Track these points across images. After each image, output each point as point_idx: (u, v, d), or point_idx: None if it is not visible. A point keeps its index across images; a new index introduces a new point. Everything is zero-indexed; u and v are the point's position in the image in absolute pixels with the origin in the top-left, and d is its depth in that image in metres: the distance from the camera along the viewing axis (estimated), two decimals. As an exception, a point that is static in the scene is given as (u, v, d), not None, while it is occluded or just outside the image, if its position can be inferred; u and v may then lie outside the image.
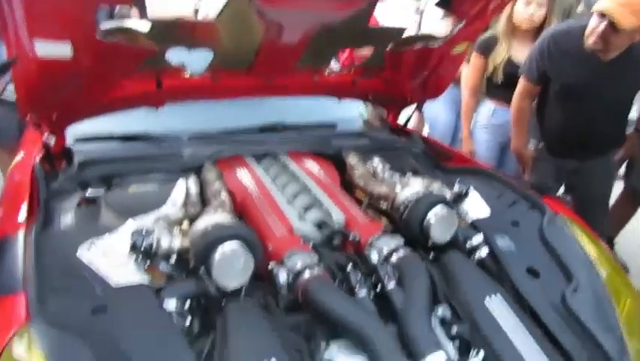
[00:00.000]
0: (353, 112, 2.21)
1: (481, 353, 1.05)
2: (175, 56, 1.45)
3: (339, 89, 1.84)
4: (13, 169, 1.63)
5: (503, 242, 1.33)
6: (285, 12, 1.32)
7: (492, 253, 1.31)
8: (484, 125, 2.55)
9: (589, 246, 1.34)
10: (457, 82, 2.66)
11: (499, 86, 2.40)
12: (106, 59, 1.26)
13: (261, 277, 1.16)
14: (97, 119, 1.54)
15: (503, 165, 2.56)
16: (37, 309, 0.88)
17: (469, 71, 2.51)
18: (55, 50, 1.14)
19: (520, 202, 1.51)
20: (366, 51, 1.86)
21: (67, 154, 1.53)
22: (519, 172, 2.38)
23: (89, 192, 1.39)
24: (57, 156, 1.51)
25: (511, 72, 2.28)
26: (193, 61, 1.51)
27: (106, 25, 1.24)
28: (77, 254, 1.09)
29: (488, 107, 2.52)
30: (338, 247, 1.32)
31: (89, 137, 1.65)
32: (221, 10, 1.33)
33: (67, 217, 1.27)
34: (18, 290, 0.93)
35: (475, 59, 2.45)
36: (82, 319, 0.89)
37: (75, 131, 1.57)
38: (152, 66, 1.43)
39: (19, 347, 0.83)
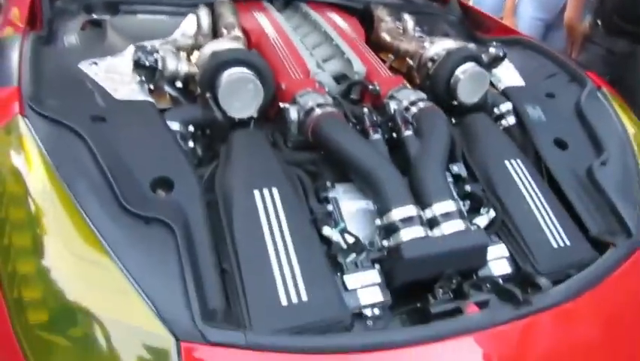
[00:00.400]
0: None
1: (492, 212, 1.01)
2: None
3: None
4: None
5: (534, 112, 1.23)
6: None
7: (520, 124, 1.22)
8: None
9: (628, 124, 1.23)
10: None
11: None
12: None
13: (272, 120, 1.09)
14: None
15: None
16: (32, 103, 0.83)
17: None
18: None
19: (561, 74, 1.37)
20: None
21: None
22: (566, 52, 2.19)
23: (94, 16, 1.29)
24: None
25: None
26: None
27: None
28: (79, 65, 1.02)
29: None
30: (356, 101, 1.24)
31: None
32: None
33: (69, 37, 1.18)
34: (12, 85, 0.87)
35: None
36: (80, 122, 0.84)
37: None
38: None
39: (11, 136, 0.79)
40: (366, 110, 1.07)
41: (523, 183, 1.05)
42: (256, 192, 0.87)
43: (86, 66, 1.04)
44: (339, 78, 1.28)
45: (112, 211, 0.74)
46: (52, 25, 1.22)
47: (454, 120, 1.21)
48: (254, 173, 0.91)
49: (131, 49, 1.10)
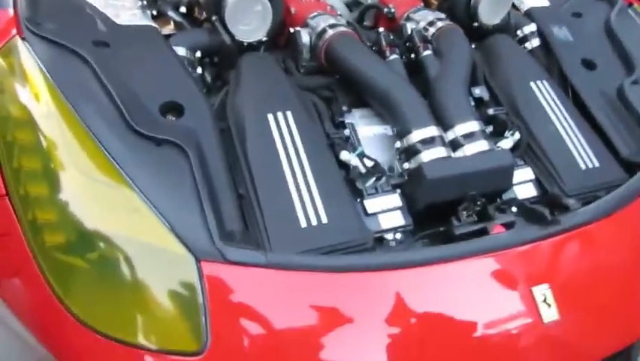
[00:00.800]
0: None
1: (517, 135, 0.96)
2: None
3: None
4: None
5: (560, 32, 1.15)
6: None
7: (545, 45, 1.15)
8: None
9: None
10: None
11: None
12: None
13: (282, 46, 1.04)
14: None
15: None
16: (31, 25, 0.78)
17: None
18: None
19: None
20: None
21: None
22: None
23: None
24: None
25: None
26: None
27: None
28: None
29: None
30: (370, 28, 1.17)
31: None
32: None
33: None
34: (7, 7, 0.82)
35: None
36: (82, 46, 0.80)
37: None
38: None
39: (10, 58, 0.75)
40: (381, 31, 1.00)
41: (549, 105, 1.00)
42: (270, 116, 0.84)
43: None
44: (351, 5, 1.21)
45: (122, 133, 0.71)
46: None
47: (474, 45, 1.15)
48: (266, 97, 0.87)
49: None
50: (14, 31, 0.78)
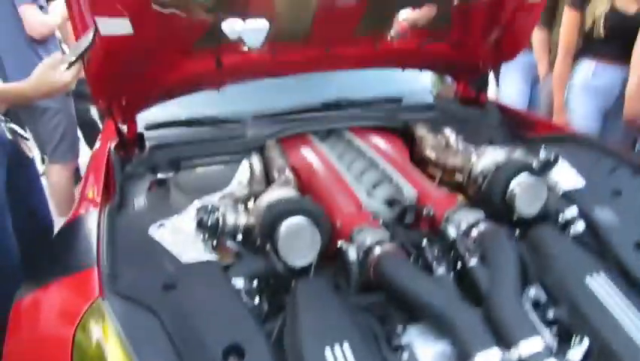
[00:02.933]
0: (419, 84, 2.09)
1: (586, 341, 0.91)
2: (232, 30, 1.42)
3: (403, 57, 1.72)
4: (92, 157, 1.71)
5: (604, 214, 1.16)
6: None
7: (590, 228, 1.15)
8: (581, 88, 2.18)
9: None
10: (529, 46, 2.40)
11: (600, 42, 2.09)
12: (164, 33, 1.25)
13: (331, 257, 1.09)
14: (164, 107, 1.57)
15: (605, 136, 2.20)
16: (110, 285, 0.88)
17: (562, 29, 2.21)
18: (116, 26, 1.14)
19: (622, 168, 1.31)
20: (430, 11, 1.70)
21: (139, 141, 1.57)
22: (626, 145, 2.10)
23: (159, 175, 1.41)
24: (130, 143, 1.55)
25: (616, 24, 1.99)
26: (250, 34, 1.47)
27: None
28: (149, 232, 1.09)
29: (587, 66, 2.16)
30: (411, 225, 1.23)
31: (158, 123, 1.69)
32: None
33: (139, 199, 1.28)
34: (92, 266, 0.93)
35: (568, 14, 2.15)
36: (153, 294, 0.88)
37: (145, 119, 1.62)
38: (210, 44, 1.40)
39: (92, 323, 0.83)
40: (425, 242, 1.05)
41: (614, 301, 0.95)
42: (327, 350, 0.84)
43: (154, 230, 1.10)
44: (391, 202, 1.29)
45: None
46: (124, 189, 1.33)
47: (517, 232, 1.17)
48: (322, 328, 0.88)
49: (194, 205, 1.18)
50: (97, 290, 0.88)
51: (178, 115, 1.72)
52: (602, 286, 0.99)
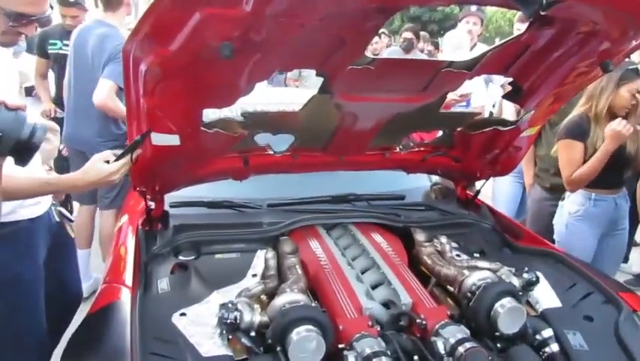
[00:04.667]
0: (422, 182, 2.28)
1: None
2: (261, 137, 1.63)
3: (409, 165, 1.93)
4: (118, 231, 1.87)
5: (575, 339, 1.30)
6: (361, 105, 1.44)
7: (563, 350, 1.29)
8: (581, 215, 2.27)
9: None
10: None
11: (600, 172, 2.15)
12: (205, 143, 1.45)
13: (331, 357, 1.23)
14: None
15: (601, 258, 2.31)
16: None
17: (566, 162, 2.21)
18: (166, 140, 1.34)
19: (595, 294, 1.47)
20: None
21: (164, 217, 1.74)
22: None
23: (181, 258, 1.57)
24: (156, 219, 1.72)
25: (615, 158, 2.12)
26: (276, 142, 1.68)
27: (209, 117, 1.43)
28: (172, 320, 1.23)
29: (585, 195, 2.26)
30: (404, 328, 1.37)
31: (182, 202, 1.86)
32: (305, 104, 1.49)
33: (163, 283, 1.44)
34: (126, 359, 1.07)
35: (573, 145, 2.18)
36: None
37: (170, 196, 1.79)
38: (241, 148, 1.61)
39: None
40: (416, 359, 1.18)
41: None
42: None
43: (177, 319, 1.25)
44: (387, 303, 1.43)
45: None
46: (148, 270, 1.49)
47: (498, 345, 1.31)
48: None
49: (214, 297, 1.33)
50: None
51: (201, 195, 1.86)
52: None
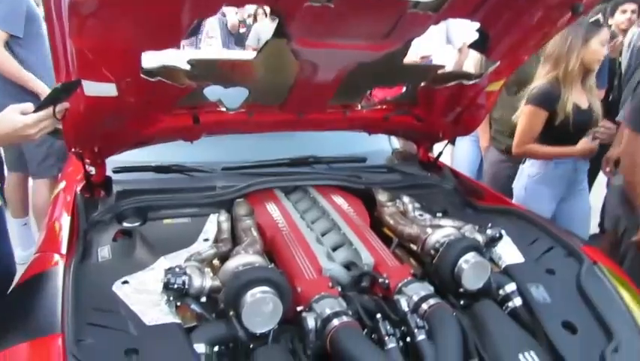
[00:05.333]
0: (383, 145, 2.22)
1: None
2: (212, 92, 1.49)
3: (371, 125, 1.85)
4: (55, 199, 1.70)
5: (538, 292, 1.29)
6: (320, 52, 1.34)
7: (526, 304, 1.27)
8: (540, 178, 2.28)
9: (630, 299, 1.28)
10: None
11: (566, 135, 2.16)
12: (148, 96, 1.31)
13: (290, 320, 1.15)
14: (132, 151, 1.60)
15: (569, 218, 2.31)
16: (74, 351, 0.90)
17: (525, 128, 2.20)
18: (101, 89, 1.19)
19: (557, 248, 1.46)
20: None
21: (106, 184, 1.59)
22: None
23: (125, 225, 1.43)
24: (97, 186, 1.57)
25: (580, 120, 2.12)
26: (229, 97, 1.55)
27: (149, 64, 1.28)
28: (113, 289, 1.11)
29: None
30: (366, 289, 1.31)
31: (126, 166, 1.70)
32: (259, 51, 1.37)
33: (104, 250, 1.30)
34: (56, 331, 0.95)
35: (535, 114, 2.16)
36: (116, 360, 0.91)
37: (113, 161, 1.63)
38: (190, 103, 1.47)
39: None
40: (379, 316, 1.13)
41: None
42: None
43: (118, 287, 1.13)
44: (349, 265, 1.37)
45: None
46: (88, 238, 1.35)
47: (462, 303, 1.28)
48: None
49: (158, 264, 1.21)
50: (61, 357, 0.90)
51: (146, 159, 1.72)
52: None
